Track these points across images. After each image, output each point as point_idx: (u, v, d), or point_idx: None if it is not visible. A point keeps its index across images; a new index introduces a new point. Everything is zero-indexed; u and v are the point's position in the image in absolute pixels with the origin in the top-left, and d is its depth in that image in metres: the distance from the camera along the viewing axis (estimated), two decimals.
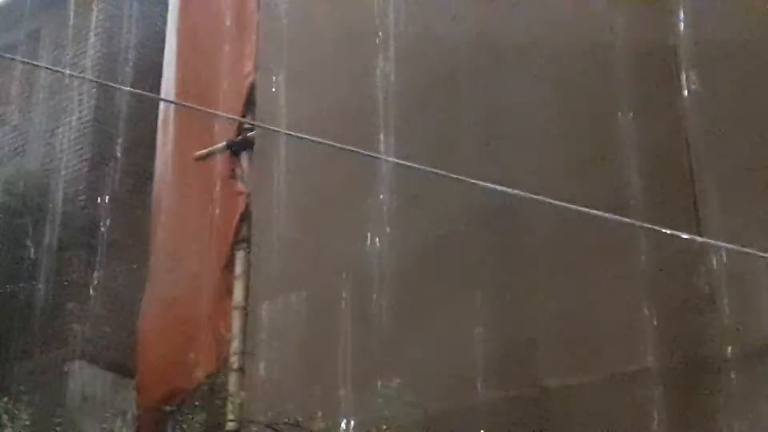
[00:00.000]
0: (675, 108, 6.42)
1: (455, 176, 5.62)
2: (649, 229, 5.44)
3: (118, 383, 9.50)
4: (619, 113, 6.62)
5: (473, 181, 5.59)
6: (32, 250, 10.17)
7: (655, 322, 6.19)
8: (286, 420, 6.46)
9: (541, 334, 6.58)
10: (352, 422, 6.32)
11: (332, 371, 7.11)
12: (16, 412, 7.04)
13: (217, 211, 8.57)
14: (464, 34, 7.43)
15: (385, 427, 6.09)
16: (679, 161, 6.32)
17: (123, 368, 9.49)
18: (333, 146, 6.28)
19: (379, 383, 6.31)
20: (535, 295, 6.68)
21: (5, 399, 7.05)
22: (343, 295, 7.41)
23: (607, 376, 6.24)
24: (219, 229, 8.48)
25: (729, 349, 5.89)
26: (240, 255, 8.31)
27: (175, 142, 9.26)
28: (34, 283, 9.76)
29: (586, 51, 6.87)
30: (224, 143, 8.64)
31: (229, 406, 7.56)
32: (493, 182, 5.52)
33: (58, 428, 7.23)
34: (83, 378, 9.75)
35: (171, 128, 9.41)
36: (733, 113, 6.27)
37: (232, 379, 7.85)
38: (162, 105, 9.65)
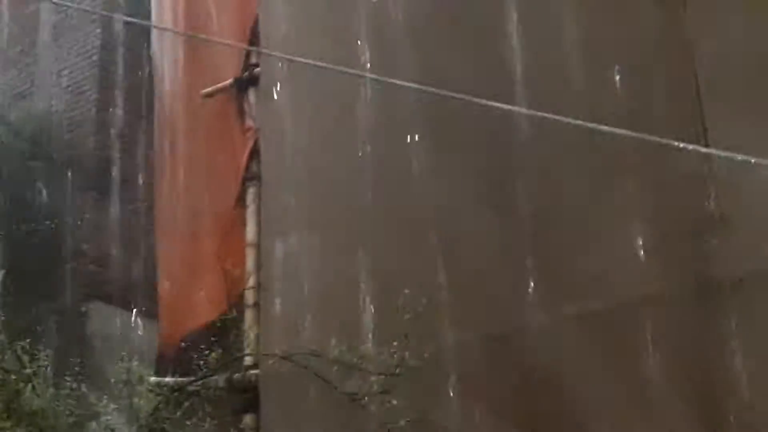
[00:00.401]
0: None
1: (461, 96, 5.57)
2: (660, 143, 5.36)
3: (136, 323, 9.57)
4: None
5: (484, 102, 5.52)
6: (44, 192, 10.20)
7: (665, 245, 6.17)
8: (301, 350, 6.50)
9: (547, 261, 6.58)
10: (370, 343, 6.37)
11: (346, 302, 7.15)
12: (36, 352, 7.10)
13: (226, 147, 8.56)
14: None
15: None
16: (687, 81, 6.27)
17: (140, 308, 9.55)
18: (341, 71, 6.27)
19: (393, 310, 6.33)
20: (540, 222, 6.68)
21: (25, 340, 7.10)
22: (355, 229, 7.44)
23: (617, 303, 6.22)
24: (228, 165, 8.47)
25: (742, 269, 5.85)
26: (251, 191, 8.33)
27: (177, 77, 9.21)
28: (48, 224, 9.79)
29: None
30: (231, 80, 8.62)
31: (246, 341, 7.64)
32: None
33: (77, 368, 7.29)
34: (101, 318, 9.83)
35: (169, 62, 9.37)
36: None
37: (248, 315, 7.91)
38: (155, 36, 9.60)
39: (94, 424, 7.00)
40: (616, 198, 6.40)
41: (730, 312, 5.86)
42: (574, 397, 6.21)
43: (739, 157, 4.76)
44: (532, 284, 6.56)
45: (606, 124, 5.14)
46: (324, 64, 6.40)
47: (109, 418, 6.96)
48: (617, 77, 6.49)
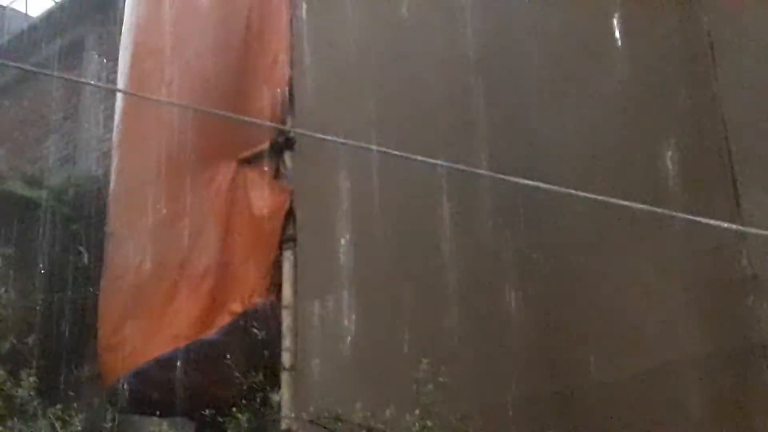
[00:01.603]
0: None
1: (500, 176, 5.61)
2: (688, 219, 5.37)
3: None
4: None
5: (510, 178, 5.58)
6: (85, 256, 10.29)
7: (697, 309, 6.11)
8: (326, 415, 6.49)
9: (580, 327, 6.55)
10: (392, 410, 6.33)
11: (375, 365, 7.14)
12: (68, 417, 7.14)
13: (258, 211, 8.61)
14: None
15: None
16: (717, 145, 6.24)
17: None
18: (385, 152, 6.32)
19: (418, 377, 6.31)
20: (573, 288, 6.65)
21: (57, 406, 7.14)
22: (389, 293, 7.44)
23: (650, 368, 6.17)
24: (261, 228, 8.52)
25: None
26: (287, 254, 8.36)
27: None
28: (86, 289, 9.87)
29: None
30: (268, 144, 8.70)
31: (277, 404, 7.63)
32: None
33: None
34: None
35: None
36: None
37: (284, 378, 7.92)
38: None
39: None
40: (651, 263, 6.37)
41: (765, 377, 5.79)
42: None
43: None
44: (567, 349, 6.52)
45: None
46: (353, 143, 6.45)
47: None
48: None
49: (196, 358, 8.36)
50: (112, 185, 9.63)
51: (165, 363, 8.44)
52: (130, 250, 9.12)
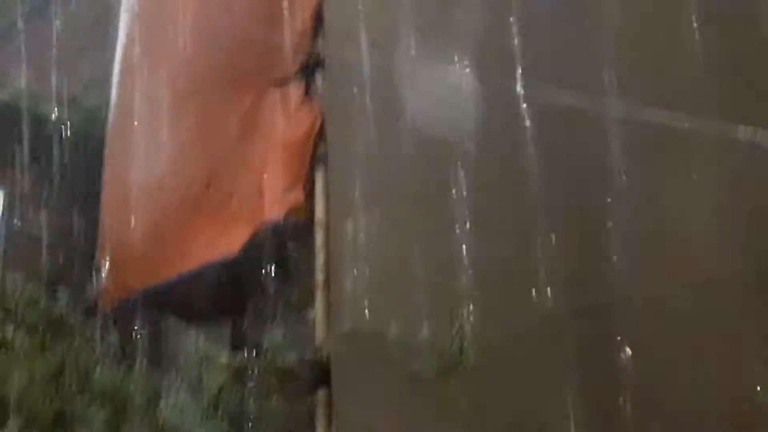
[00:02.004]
0: None
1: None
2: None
3: None
4: None
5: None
6: None
7: (740, 225, 6.10)
8: (365, 330, 6.57)
9: (624, 243, 6.50)
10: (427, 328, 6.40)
11: (411, 282, 7.19)
12: (105, 334, 7.28)
13: (288, 131, 8.64)
14: None
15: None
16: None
17: None
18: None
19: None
20: (616, 203, 6.64)
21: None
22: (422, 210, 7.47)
23: (692, 284, 6.17)
24: (292, 148, 8.55)
25: None
26: (319, 174, 8.41)
27: None
28: None
29: None
30: (298, 64, 8.69)
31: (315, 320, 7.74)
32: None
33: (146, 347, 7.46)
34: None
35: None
36: None
37: (318, 296, 8.01)
38: None
39: (163, 401, 7.14)
40: (697, 184, 6.32)
41: None
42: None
43: None
44: (609, 265, 6.53)
45: None
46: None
47: (177, 396, 7.09)
48: None
49: (225, 274, 8.45)
50: (135, 105, 9.66)
51: (195, 277, 8.54)
52: (153, 167, 9.19)
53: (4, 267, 8.35)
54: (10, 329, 7.38)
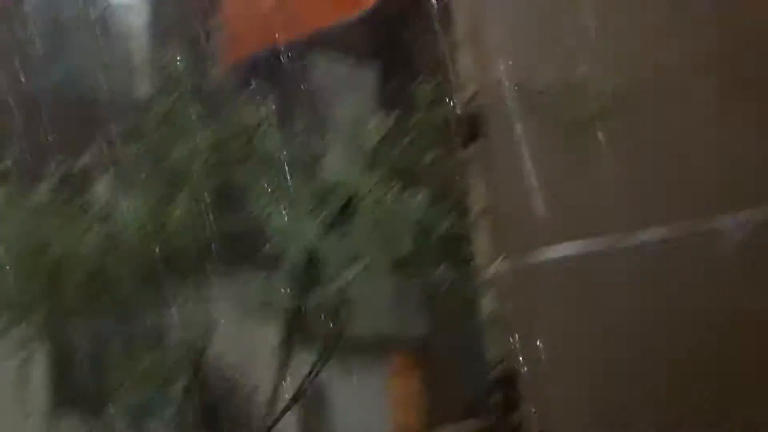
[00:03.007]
0: None
1: None
2: None
3: None
4: None
5: None
6: None
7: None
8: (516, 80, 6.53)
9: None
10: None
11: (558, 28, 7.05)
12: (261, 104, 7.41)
13: None
14: None
15: None
16: None
17: None
18: None
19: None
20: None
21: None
22: None
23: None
24: None
25: None
26: None
27: None
28: None
29: None
30: None
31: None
32: None
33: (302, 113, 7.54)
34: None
35: None
36: None
37: (463, 51, 7.94)
38: None
39: (324, 162, 7.31)
40: None
41: None
42: None
43: None
44: None
45: None
46: None
47: (335, 156, 7.23)
48: None
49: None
50: None
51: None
52: None
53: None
54: (170, 101, 7.45)
